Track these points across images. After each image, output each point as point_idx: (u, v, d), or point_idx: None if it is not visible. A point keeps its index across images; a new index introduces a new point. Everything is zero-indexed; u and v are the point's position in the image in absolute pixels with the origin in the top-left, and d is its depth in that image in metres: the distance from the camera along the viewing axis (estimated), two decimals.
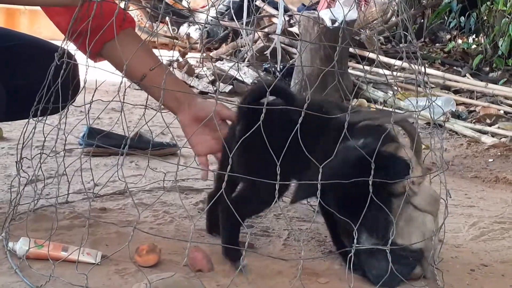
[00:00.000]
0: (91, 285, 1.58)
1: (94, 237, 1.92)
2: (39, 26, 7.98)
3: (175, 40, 8.02)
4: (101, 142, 2.39)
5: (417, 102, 1.97)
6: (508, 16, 6.69)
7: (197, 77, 5.73)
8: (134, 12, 7.93)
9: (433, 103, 1.86)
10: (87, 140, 2.89)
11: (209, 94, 5.38)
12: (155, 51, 2.08)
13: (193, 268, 1.75)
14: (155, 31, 6.25)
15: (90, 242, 1.84)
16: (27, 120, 1.87)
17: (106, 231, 1.98)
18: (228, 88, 5.57)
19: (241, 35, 7.03)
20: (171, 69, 1.95)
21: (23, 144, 1.87)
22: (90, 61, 1.73)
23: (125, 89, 1.67)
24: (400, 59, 1.86)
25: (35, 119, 1.84)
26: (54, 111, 1.84)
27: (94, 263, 1.72)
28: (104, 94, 3.97)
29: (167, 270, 1.73)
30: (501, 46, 6.59)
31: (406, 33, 1.93)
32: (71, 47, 1.89)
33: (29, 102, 1.86)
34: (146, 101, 2.01)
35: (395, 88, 5.56)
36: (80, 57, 1.99)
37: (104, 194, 2.36)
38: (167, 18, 8.21)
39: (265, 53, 5.32)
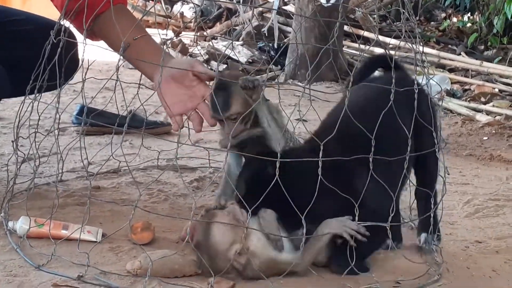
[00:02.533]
0: (83, 262, 1.58)
1: (88, 215, 1.91)
2: (30, 4, 7.92)
3: (168, 19, 7.96)
4: (95, 121, 2.37)
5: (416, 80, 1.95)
6: None
7: (190, 56, 5.70)
8: None
9: (430, 81, 1.86)
10: (81, 118, 2.88)
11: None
12: (149, 30, 2.06)
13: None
14: (149, 9, 6.21)
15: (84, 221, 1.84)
16: (22, 98, 1.86)
17: (100, 209, 1.97)
18: (223, 67, 5.54)
19: (238, 13, 7.00)
20: (164, 47, 1.93)
21: (19, 123, 1.86)
22: (87, 40, 1.72)
23: (117, 68, 1.68)
24: (396, 37, 1.86)
25: (31, 97, 1.83)
26: (52, 87, 1.83)
27: (96, 241, 1.73)
28: (98, 74, 3.95)
29: (162, 248, 1.74)
30: (496, 24, 6.55)
31: (404, 11, 1.91)
32: (68, 24, 1.88)
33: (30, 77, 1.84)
34: (140, 80, 1.99)
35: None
36: (77, 36, 1.99)
37: (99, 172, 2.35)
38: None
39: (262, 30, 5.30)
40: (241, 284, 1.57)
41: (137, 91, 1.86)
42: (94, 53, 1.83)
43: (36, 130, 1.80)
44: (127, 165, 1.75)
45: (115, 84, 1.66)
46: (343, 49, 5.67)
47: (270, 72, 5.57)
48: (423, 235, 1.85)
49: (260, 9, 6.61)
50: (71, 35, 1.83)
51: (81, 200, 2.06)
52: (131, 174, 2.26)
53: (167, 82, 1.82)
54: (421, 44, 1.88)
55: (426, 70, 1.91)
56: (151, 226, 1.83)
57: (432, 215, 1.81)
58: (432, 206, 1.82)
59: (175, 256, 1.58)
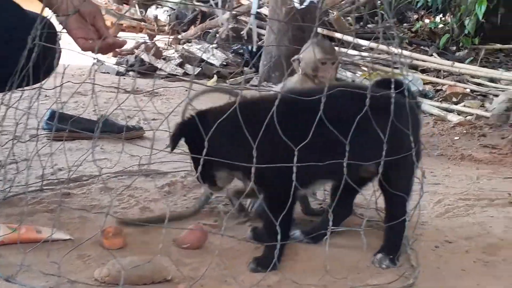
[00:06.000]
0: (52, 271, 1.56)
1: (57, 222, 1.89)
2: None
3: (142, 23, 7.93)
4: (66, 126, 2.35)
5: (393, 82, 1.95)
6: None
7: (164, 59, 5.68)
8: None
9: (410, 81, 1.87)
10: (52, 124, 2.85)
11: (177, 76, 5.34)
12: (123, 33, 2.06)
13: (180, 244, 1.79)
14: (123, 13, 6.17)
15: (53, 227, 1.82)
16: None
17: (69, 216, 1.95)
18: (197, 70, 5.53)
19: (213, 16, 6.99)
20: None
21: None
22: (62, 44, 1.72)
23: (90, 72, 1.67)
24: (374, 38, 1.85)
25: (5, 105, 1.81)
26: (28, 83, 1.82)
27: (68, 239, 1.74)
28: (71, 78, 3.91)
29: (133, 253, 1.73)
30: (468, 25, 6.63)
31: (383, 13, 1.91)
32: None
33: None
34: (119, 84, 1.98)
35: (364, 68, 5.59)
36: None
37: (69, 178, 2.33)
38: (134, 0, 8.12)
39: (241, 33, 5.29)
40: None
41: (116, 96, 1.84)
42: (67, 57, 1.83)
43: (14, 139, 1.79)
44: (99, 171, 1.72)
45: (93, 87, 1.65)
46: None
47: (244, 75, 5.58)
48: (379, 255, 1.81)
49: (235, 12, 6.62)
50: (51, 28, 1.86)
51: (49, 207, 2.04)
52: (101, 180, 2.24)
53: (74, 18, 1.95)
54: (401, 45, 1.88)
55: (403, 71, 1.91)
56: (122, 231, 1.82)
57: (394, 237, 1.83)
58: (399, 229, 1.82)
59: (144, 262, 1.56)
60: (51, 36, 1.85)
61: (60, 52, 1.81)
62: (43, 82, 1.85)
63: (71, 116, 2.64)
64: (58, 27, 1.97)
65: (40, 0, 2.01)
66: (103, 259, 1.66)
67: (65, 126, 2.34)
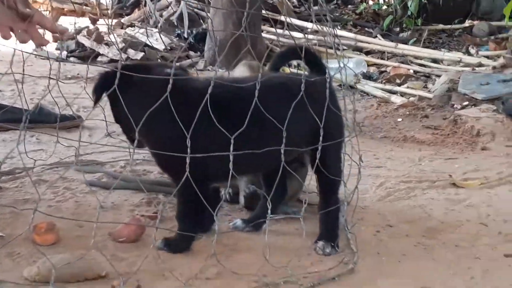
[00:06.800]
0: None
1: None
2: None
3: (84, 7, 7.73)
4: None
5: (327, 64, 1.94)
6: None
7: (106, 44, 5.55)
8: None
9: (344, 65, 1.85)
10: None
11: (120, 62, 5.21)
12: (65, 18, 1.97)
13: (116, 238, 1.74)
14: None
15: None
16: None
17: (0, 211, 1.87)
18: (140, 55, 5.42)
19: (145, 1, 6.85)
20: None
21: None
22: None
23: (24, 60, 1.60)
24: (318, 21, 1.85)
25: None
26: None
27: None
28: (6, 66, 3.78)
29: (66, 249, 1.67)
30: (411, 6, 6.69)
31: None
32: None
33: None
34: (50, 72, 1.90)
35: None
36: None
37: (5, 172, 2.24)
38: None
39: (171, 18, 5.20)
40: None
41: (48, 84, 1.76)
42: (3, 43, 1.75)
43: None
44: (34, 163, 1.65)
45: (22, 78, 1.57)
46: (262, 34, 5.65)
47: (189, 59, 5.50)
48: (320, 243, 1.80)
49: None
50: None
51: None
52: (29, 175, 2.15)
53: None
54: (335, 28, 1.87)
55: (341, 53, 1.90)
56: (55, 227, 1.75)
57: (332, 223, 1.83)
58: (334, 213, 1.82)
59: (76, 259, 1.50)
60: None
61: None
62: None
63: (4, 106, 2.54)
64: None
65: None
66: (34, 257, 1.60)
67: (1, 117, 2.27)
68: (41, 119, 2.70)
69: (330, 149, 1.75)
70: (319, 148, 1.69)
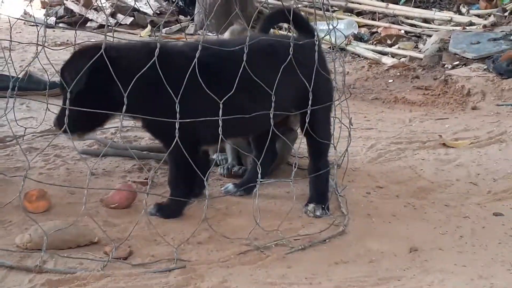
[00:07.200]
0: None
1: None
2: None
3: None
4: None
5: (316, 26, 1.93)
6: None
7: (95, 9, 5.48)
8: None
9: (334, 27, 1.85)
10: None
11: (109, 27, 5.17)
12: None
13: (108, 204, 1.75)
14: None
15: None
16: None
17: None
18: (129, 20, 5.37)
19: None
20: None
21: None
22: None
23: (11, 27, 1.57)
24: None
25: None
26: None
27: None
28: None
29: (58, 216, 1.68)
30: None
31: None
32: None
33: None
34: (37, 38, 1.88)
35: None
36: None
37: None
38: None
39: None
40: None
41: (37, 51, 1.74)
42: None
43: None
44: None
45: (10, 45, 1.55)
46: None
47: (178, 23, 5.44)
48: (311, 205, 1.82)
49: None
50: None
51: None
52: (19, 143, 2.14)
53: None
54: None
55: (331, 15, 1.89)
56: (46, 194, 1.76)
57: (322, 186, 1.84)
58: (324, 176, 1.83)
59: (68, 226, 1.51)
60: None
61: None
62: None
63: None
64: None
65: None
66: (26, 224, 1.60)
67: None
68: (30, 86, 2.68)
69: (319, 112, 1.75)
70: (308, 111, 1.70)
